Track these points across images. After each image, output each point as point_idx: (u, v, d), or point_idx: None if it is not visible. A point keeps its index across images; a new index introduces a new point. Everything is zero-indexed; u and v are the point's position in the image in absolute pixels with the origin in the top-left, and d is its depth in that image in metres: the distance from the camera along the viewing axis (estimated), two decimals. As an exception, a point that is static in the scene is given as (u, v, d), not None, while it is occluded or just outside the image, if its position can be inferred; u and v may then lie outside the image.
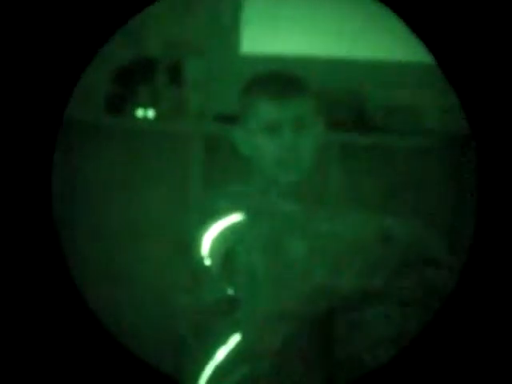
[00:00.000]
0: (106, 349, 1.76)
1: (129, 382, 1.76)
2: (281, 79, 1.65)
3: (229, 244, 1.54)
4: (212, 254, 1.57)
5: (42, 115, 1.70)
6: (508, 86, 1.67)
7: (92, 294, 2.39)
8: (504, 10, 1.71)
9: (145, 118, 2.75)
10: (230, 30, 2.84)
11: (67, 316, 1.69)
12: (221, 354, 1.57)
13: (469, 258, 1.59)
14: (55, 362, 1.66)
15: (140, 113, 2.75)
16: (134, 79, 2.76)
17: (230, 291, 1.56)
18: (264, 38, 2.83)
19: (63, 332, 1.67)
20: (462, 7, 1.79)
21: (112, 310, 2.63)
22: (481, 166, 1.66)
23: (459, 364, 1.51)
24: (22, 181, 1.66)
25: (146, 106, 2.75)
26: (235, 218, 1.57)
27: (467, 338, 1.53)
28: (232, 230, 1.56)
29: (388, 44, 2.81)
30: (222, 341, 1.57)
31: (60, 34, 1.77)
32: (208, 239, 1.58)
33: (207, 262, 1.58)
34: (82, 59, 1.88)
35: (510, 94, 1.67)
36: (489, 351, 1.54)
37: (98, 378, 1.72)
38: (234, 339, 1.57)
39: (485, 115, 1.67)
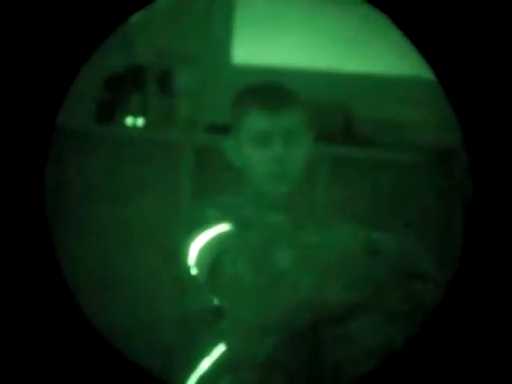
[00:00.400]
0: (97, 351, 1.75)
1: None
2: (272, 91, 1.66)
3: (215, 254, 1.54)
4: (198, 264, 1.56)
5: (35, 122, 1.70)
6: (506, 101, 1.68)
7: (84, 298, 2.38)
8: (502, 23, 1.72)
9: (134, 127, 2.75)
10: (222, 40, 2.85)
11: (59, 318, 1.69)
12: (205, 364, 1.56)
13: (456, 272, 1.60)
14: (47, 363, 1.66)
15: (129, 121, 2.75)
16: (125, 87, 2.75)
17: (216, 301, 1.56)
18: (256, 48, 2.84)
19: (55, 334, 1.68)
20: (462, 22, 1.80)
21: (104, 314, 2.62)
22: (476, 181, 1.66)
23: (446, 375, 1.51)
24: (16, 187, 1.66)
25: (135, 115, 2.75)
26: (223, 227, 1.57)
27: (453, 349, 1.53)
28: (219, 240, 1.55)
29: (378, 58, 2.83)
30: (207, 351, 1.56)
31: (52, 39, 1.77)
32: (195, 249, 1.57)
33: (193, 271, 1.58)
34: (74, 65, 1.88)
35: (508, 110, 1.67)
36: (475, 363, 1.54)
37: (88, 380, 1.71)
38: (219, 350, 1.56)
39: (481, 131, 1.68)
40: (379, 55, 2.81)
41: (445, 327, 1.53)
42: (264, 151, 1.62)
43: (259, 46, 2.84)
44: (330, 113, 2.72)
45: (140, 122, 2.74)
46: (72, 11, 1.95)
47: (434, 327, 1.52)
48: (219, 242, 1.55)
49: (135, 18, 2.64)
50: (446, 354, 1.52)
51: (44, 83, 1.73)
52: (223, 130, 1.72)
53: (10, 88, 1.69)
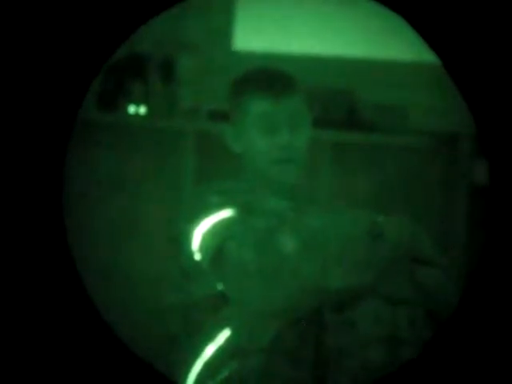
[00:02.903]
0: (104, 342, 1.76)
1: (125, 377, 1.76)
2: (274, 77, 1.64)
3: (219, 239, 1.53)
4: (202, 250, 1.56)
5: (55, 117, 1.72)
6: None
7: (90, 284, 2.39)
8: (506, 11, 1.71)
9: (137, 115, 2.74)
10: (223, 27, 2.84)
11: (70, 306, 1.71)
12: (210, 350, 1.56)
13: (475, 270, 1.58)
14: (53, 348, 1.67)
15: (132, 109, 2.74)
16: (126, 76, 2.75)
17: (220, 287, 1.56)
18: (257, 35, 2.83)
19: (61, 315, 1.69)
20: (466, 9, 1.79)
21: (108, 301, 2.63)
22: (490, 167, 1.65)
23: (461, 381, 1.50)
24: (33, 178, 1.69)
25: (138, 103, 2.74)
26: (226, 213, 1.56)
27: (471, 355, 1.51)
28: (223, 226, 1.54)
29: (378, 43, 2.82)
30: (211, 337, 1.56)
31: (69, 43, 1.79)
32: (198, 234, 1.57)
33: (197, 256, 1.58)
34: (93, 65, 1.89)
35: None
36: (492, 368, 1.53)
37: (94, 372, 1.72)
38: (224, 335, 1.56)
39: (491, 115, 1.67)
40: (382, 40, 2.80)
41: (461, 332, 1.51)
42: (270, 138, 1.60)
43: (260, 33, 2.83)
44: (333, 98, 2.72)
45: (142, 110, 2.74)
46: (89, 15, 1.95)
47: (451, 332, 1.51)
48: (223, 228, 1.54)
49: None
50: (463, 360, 1.50)
51: (65, 80, 1.75)
52: (225, 116, 1.71)
53: (31, 86, 1.70)
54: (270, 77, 1.64)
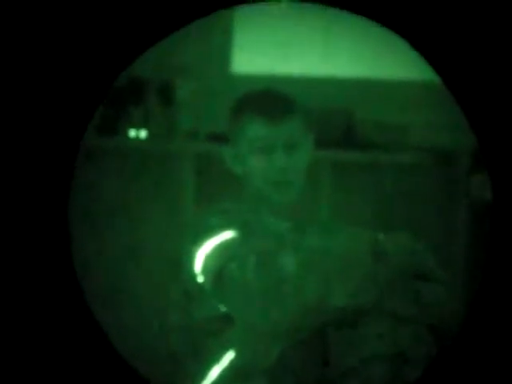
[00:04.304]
0: (108, 363, 1.77)
1: None
2: (271, 99, 1.65)
3: (221, 261, 1.53)
4: (205, 271, 1.56)
5: (59, 145, 1.74)
6: None
7: (95, 305, 2.39)
8: (506, 20, 1.72)
9: (137, 139, 2.76)
10: (221, 50, 2.86)
11: (75, 329, 1.72)
12: (214, 372, 1.56)
13: (479, 286, 1.57)
14: (56, 364, 1.67)
15: (132, 133, 2.76)
16: (126, 100, 2.77)
17: (223, 308, 1.56)
18: (255, 57, 2.85)
19: (65, 333, 1.70)
20: (465, 25, 1.80)
21: (112, 322, 2.62)
22: (492, 183, 1.65)
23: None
24: (42, 192, 1.71)
25: (138, 127, 2.76)
26: (228, 234, 1.57)
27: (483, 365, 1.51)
28: (225, 247, 1.55)
29: (375, 62, 2.83)
30: (216, 359, 1.56)
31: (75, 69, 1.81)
32: (201, 256, 1.57)
33: (200, 279, 1.58)
34: (97, 92, 1.91)
35: None
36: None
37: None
38: (228, 357, 1.56)
39: (493, 131, 1.67)
40: (379, 60, 2.82)
41: (467, 350, 1.50)
42: (266, 160, 1.61)
43: (258, 55, 2.85)
44: (331, 118, 2.73)
45: (143, 134, 2.76)
46: (94, 40, 1.97)
47: (456, 349, 1.50)
48: (225, 249, 1.55)
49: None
50: (469, 378, 1.50)
51: (67, 110, 1.77)
52: (224, 138, 1.73)
53: (40, 105, 1.72)
54: (268, 99, 1.65)
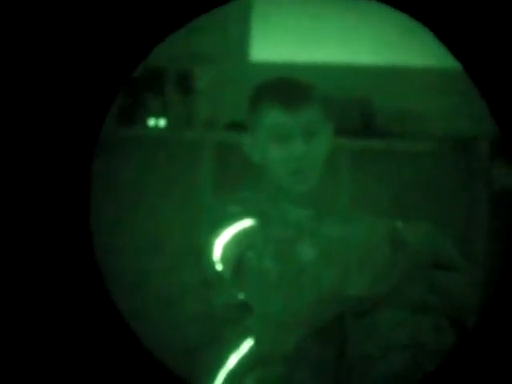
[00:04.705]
0: (130, 352, 1.78)
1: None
2: (289, 87, 1.64)
3: (240, 249, 1.54)
4: (223, 260, 1.57)
5: (78, 135, 1.75)
6: None
7: (115, 294, 2.41)
8: None
9: (156, 127, 2.77)
10: (239, 38, 2.85)
11: (98, 318, 1.74)
12: (233, 359, 1.57)
13: (499, 277, 1.56)
14: (78, 353, 1.70)
15: (151, 122, 2.77)
16: (145, 90, 2.78)
17: (241, 296, 1.57)
18: (273, 45, 2.85)
19: (90, 327, 1.72)
20: (486, 12, 1.78)
21: (132, 311, 2.64)
22: None
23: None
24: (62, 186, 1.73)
25: (157, 116, 2.77)
26: (247, 223, 1.57)
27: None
28: (243, 236, 1.55)
29: (395, 49, 2.82)
30: (234, 347, 1.57)
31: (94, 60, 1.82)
32: (220, 244, 1.58)
33: (219, 267, 1.59)
34: (117, 82, 1.92)
35: None
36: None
37: (117, 377, 1.74)
38: (247, 344, 1.57)
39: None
40: (399, 47, 2.81)
41: (486, 341, 1.49)
42: (284, 149, 1.61)
43: (276, 43, 2.85)
44: (349, 106, 2.72)
45: (162, 122, 2.77)
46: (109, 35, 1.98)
47: (476, 340, 1.49)
48: (243, 238, 1.55)
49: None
50: (488, 369, 1.49)
51: (87, 100, 1.79)
52: (242, 127, 1.72)
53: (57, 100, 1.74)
54: (285, 87, 1.64)
